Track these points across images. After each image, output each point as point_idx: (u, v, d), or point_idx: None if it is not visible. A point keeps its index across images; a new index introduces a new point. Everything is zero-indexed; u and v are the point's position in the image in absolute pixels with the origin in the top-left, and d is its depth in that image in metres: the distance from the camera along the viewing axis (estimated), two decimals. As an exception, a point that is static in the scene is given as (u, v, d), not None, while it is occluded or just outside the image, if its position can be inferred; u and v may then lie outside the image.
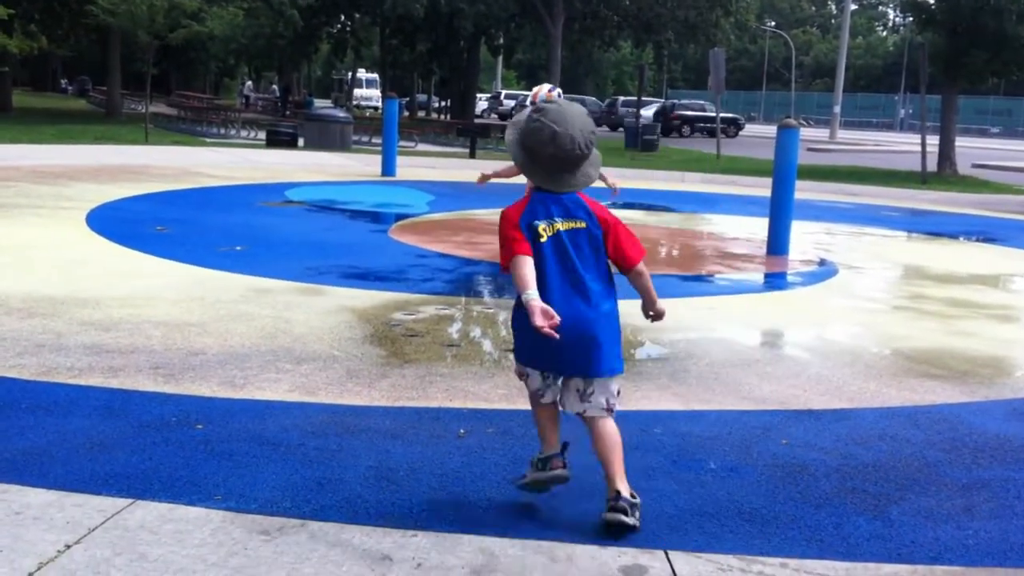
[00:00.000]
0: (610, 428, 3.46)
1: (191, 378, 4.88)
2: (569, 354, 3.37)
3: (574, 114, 3.35)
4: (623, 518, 3.32)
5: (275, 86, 59.94)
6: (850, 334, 6.75)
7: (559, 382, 3.50)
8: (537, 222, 3.34)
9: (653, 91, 76.46)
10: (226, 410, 4.44)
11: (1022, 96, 73.14)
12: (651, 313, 3.65)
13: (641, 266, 3.48)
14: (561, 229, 3.35)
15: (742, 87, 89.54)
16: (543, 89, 6.27)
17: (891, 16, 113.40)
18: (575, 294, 3.35)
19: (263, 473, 3.72)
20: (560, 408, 3.55)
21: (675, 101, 54.44)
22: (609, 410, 3.46)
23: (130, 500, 3.40)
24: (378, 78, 52.32)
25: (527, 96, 6.47)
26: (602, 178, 5.97)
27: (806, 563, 3.23)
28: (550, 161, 3.33)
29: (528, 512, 3.49)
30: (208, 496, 3.48)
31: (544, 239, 3.33)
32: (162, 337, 5.60)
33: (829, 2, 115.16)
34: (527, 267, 3.26)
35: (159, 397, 4.57)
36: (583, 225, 3.38)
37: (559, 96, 6.16)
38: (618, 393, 3.52)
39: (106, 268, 7.63)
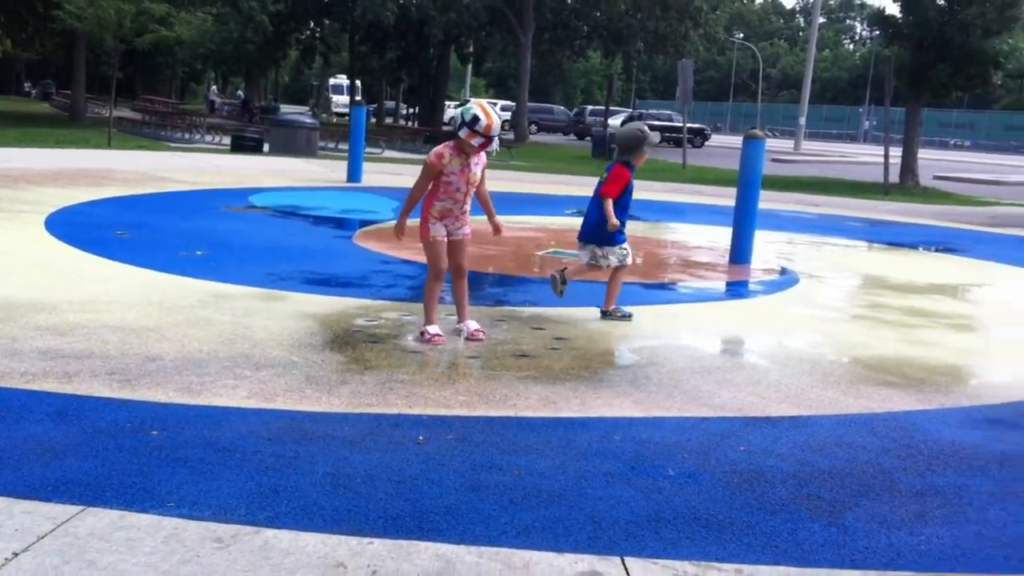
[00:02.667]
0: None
1: (147, 384, 4.83)
2: None
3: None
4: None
5: (240, 92, 59.60)
6: (809, 342, 6.80)
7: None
8: None
9: (621, 100, 76.82)
10: (182, 416, 4.39)
11: (985, 110, 74.23)
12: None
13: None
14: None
15: (709, 98, 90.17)
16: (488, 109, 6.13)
17: (858, 29, 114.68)
18: None
19: (218, 480, 3.69)
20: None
21: (643, 111, 54.76)
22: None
23: (81, 507, 3.36)
24: (357, 84, 52.03)
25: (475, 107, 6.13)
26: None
27: (761, 569, 3.24)
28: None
29: (486, 519, 3.48)
30: (161, 503, 3.44)
31: None
32: (119, 342, 5.54)
33: (797, 15, 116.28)
34: None
35: (114, 403, 4.51)
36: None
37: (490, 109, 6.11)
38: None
39: (64, 272, 7.54)
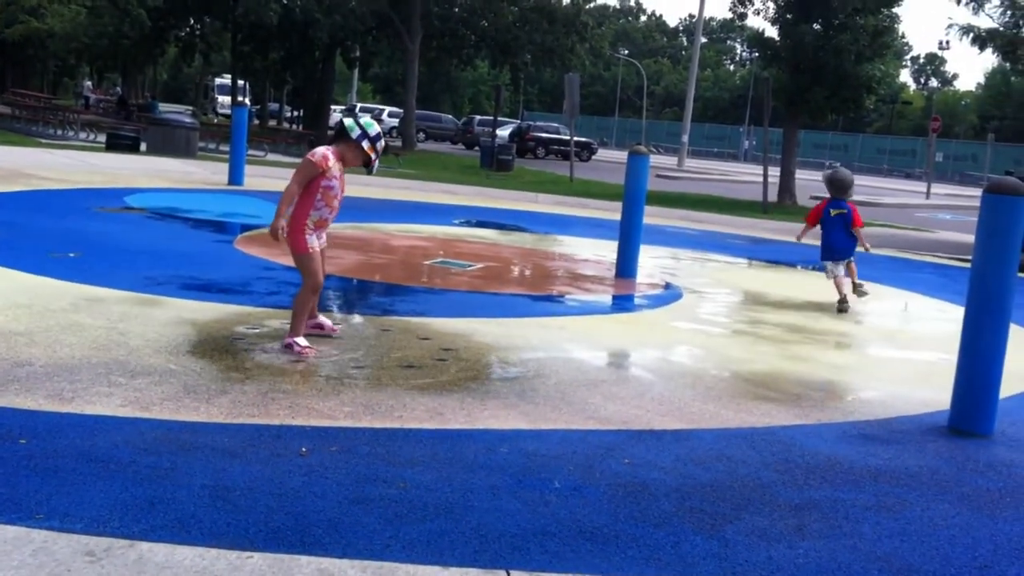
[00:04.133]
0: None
1: (15, 390, 4.62)
2: None
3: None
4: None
5: (118, 88, 57.84)
6: (692, 356, 6.92)
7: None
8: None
9: (509, 112, 77.24)
10: (53, 425, 4.22)
11: (858, 132, 77.15)
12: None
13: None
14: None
15: (595, 112, 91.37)
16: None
17: (739, 51, 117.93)
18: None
19: (90, 491, 3.54)
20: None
21: (531, 123, 55.17)
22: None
23: (-60, 520, 3.18)
24: (244, 85, 50.87)
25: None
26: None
27: (645, 583, 3.27)
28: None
29: (369, 532, 3.42)
30: (29, 515, 3.30)
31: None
32: (-15, 346, 5.29)
33: (680, 34, 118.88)
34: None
35: (-22, 410, 4.30)
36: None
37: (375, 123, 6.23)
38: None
39: (-74, 271, 7.17)
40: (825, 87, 23.41)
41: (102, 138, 25.05)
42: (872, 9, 23.14)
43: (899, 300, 11.15)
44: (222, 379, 5.15)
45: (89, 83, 69.11)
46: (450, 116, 64.60)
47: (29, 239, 9.16)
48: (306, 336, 6.04)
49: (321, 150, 5.96)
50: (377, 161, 6.11)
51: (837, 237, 9.63)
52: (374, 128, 6.02)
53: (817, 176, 49.44)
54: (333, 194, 5.95)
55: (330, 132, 33.95)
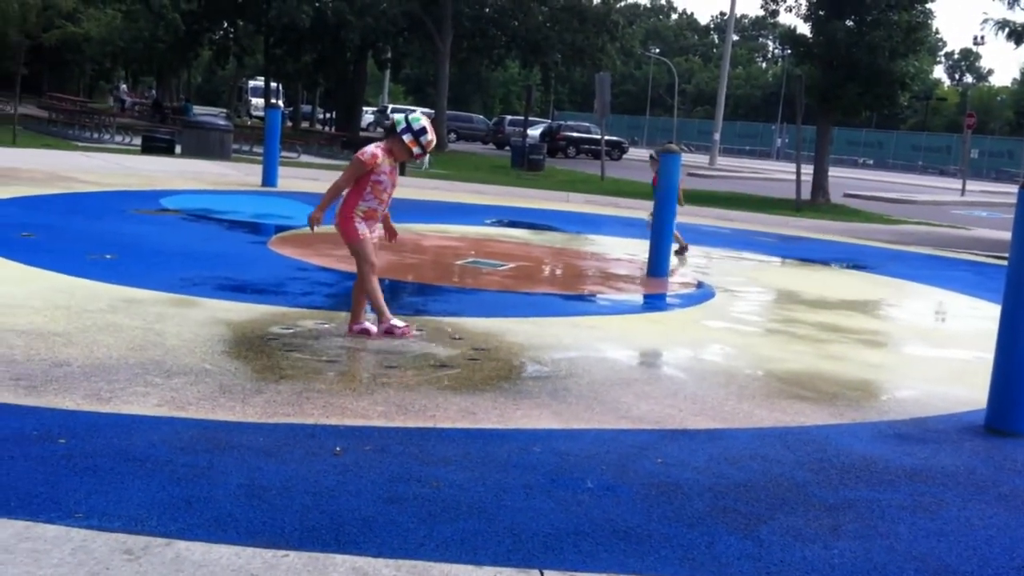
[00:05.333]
0: None
1: (54, 390, 4.68)
2: None
3: None
4: None
5: (153, 91, 58.41)
6: (725, 355, 6.89)
7: None
8: None
9: (540, 111, 77.11)
10: (91, 424, 4.26)
11: (892, 129, 76.44)
12: None
13: None
14: None
15: (626, 111, 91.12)
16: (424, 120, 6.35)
17: (771, 48, 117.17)
18: None
19: (128, 490, 3.58)
20: None
21: (561, 122, 55.10)
22: None
23: (-17, 518, 3.23)
24: (277, 87, 51.19)
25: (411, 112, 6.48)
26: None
27: (679, 582, 3.26)
28: None
29: (404, 531, 3.44)
30: (68, 514, 3.33)
31: None
32: (24, 347, 5.36)
33: (711, 32, 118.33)
34: None
35: (19, 410, 4.36)
36: None
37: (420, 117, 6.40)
38: None
39: (-34, 274, 7.27)
40: (858, 84, 23.22)
41: (137, 141, 25.29)
42: (906, 5, 22.94)
43: (934, 298, 11.04)
44: (257, 379, 5.19)
45: (125, 86, 69.73)
46: (481, 116, 64.64)
47: (67, 241, 9.27)
48: (352, 339, 6.22)
49: (370, 148, 6.21)
50: (426, 156, 6.30)
51: None
52: (419, 123, 6.22)
53: (852, 173, 48.99)
54: (382, 187, 6.23)
55: (362, 133, 34.25)
